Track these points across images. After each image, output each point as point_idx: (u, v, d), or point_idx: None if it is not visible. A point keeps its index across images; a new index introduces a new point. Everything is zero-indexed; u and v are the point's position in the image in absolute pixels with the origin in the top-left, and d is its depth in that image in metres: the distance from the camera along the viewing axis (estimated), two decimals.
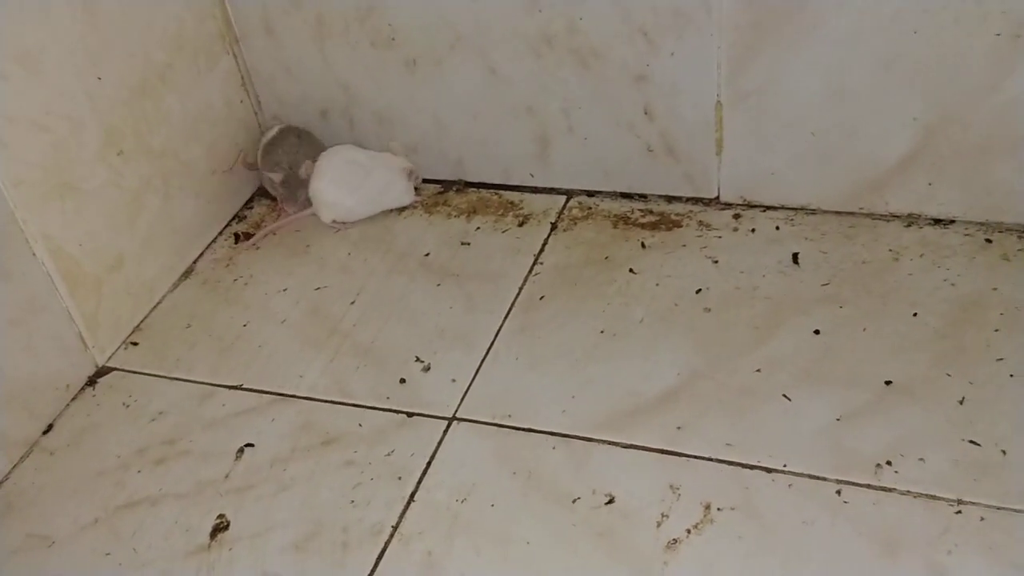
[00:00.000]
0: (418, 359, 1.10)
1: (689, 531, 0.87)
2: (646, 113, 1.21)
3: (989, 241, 1.13)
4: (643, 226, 1.25)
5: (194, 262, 1.30)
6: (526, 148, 1.30)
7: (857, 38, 1.07)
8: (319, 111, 1.37)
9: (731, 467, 0.93)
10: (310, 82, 1.34)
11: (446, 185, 1.37)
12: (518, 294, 1.17)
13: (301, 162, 1.29)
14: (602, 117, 1.23)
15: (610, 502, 0.91)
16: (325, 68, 1.32)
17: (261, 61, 1.35)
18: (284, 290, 1.22)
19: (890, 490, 0.88)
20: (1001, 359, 0.98)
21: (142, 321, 1.22)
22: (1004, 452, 0.89)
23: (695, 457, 0.94)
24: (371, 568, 0.88)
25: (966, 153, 1.11)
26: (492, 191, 1.35)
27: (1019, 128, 1.07)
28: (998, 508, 0.85)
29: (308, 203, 1.32)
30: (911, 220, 1.18)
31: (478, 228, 1.29)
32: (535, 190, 1.34)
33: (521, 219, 1.29)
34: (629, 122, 1.23)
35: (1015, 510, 0.84)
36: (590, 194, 1.31)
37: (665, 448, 0.95)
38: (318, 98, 1.36)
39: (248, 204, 1.39)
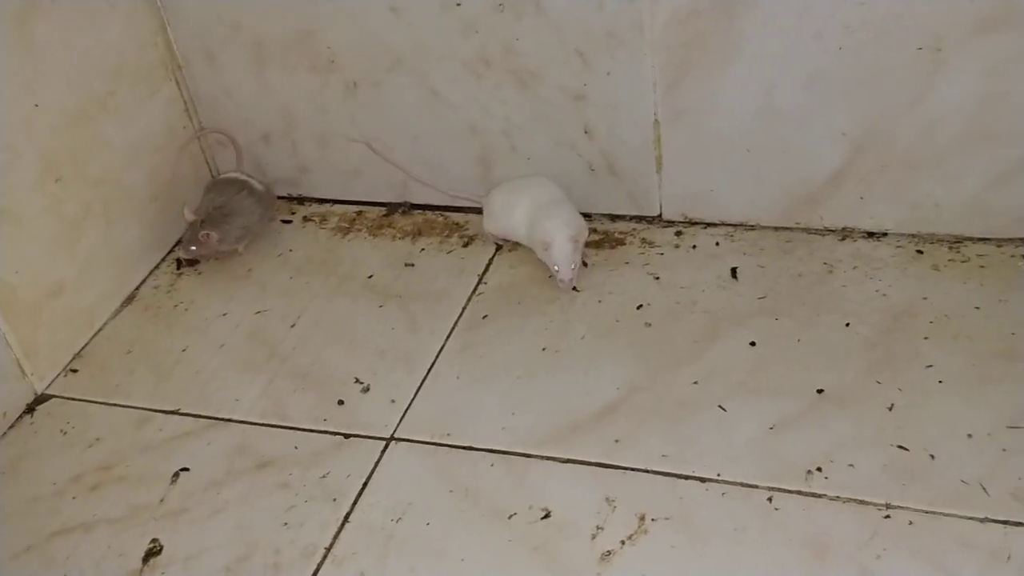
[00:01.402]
0: (357, 380, 1.09)
1: (623, 542, 0.88)
2: (586, 132, 1.23)
3: (920, 252, 1.15)
4: (587, 244, 1.26)
5: (136, 288, 1.30)
6: (470, 169, 1.31)
7: (783, 56, 1.09)
8: (261, 135, 1.37)
9: (666, 478, 0.93)
10: (251, 107, 1.35)
11: (391, 208, 1.38)
12: (461, 314, 1.17)
13: (216, 222, 1.24)
14: (543, 137, 1.25)
15: (546, 516, 0.91)
16: (266, 92, 1.32)
17: (203, 87, 1.36)
18: (224, 315, 1.22)
19: (820, 496, 0.89)
20: (930, 366, 1.00)
21: (83, 348, 1.21)
22: (932, 456, 0.90)
23: (631, 469, 0.94)
24: None
25: (894, 167, 1.13)
26: (438, 213, 1.36)
27: (942, 140, 1.09)
28: (927, 512, 0.86)
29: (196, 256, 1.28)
30: (845, 234, 1.20)
31: (423, 249, 1.29)
32: (479, 211, 1.34)
33: (466, 240, 1.30)
34: (570, 141, 1.24)
35: (943, 514, 0.85)
36: None
37: (602, 462, 0.96)
38: (260, 122, 1.36)
39: None
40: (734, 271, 1.17)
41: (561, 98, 1.20)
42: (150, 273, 1.32)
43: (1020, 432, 0.91)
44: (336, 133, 1.33)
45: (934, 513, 0.85)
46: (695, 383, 1.03)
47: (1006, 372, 0.98)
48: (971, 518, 0.84)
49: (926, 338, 1.03)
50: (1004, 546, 0.82)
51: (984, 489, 0.87)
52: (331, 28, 1.23)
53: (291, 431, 1.04)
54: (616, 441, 0.98)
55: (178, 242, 1.37)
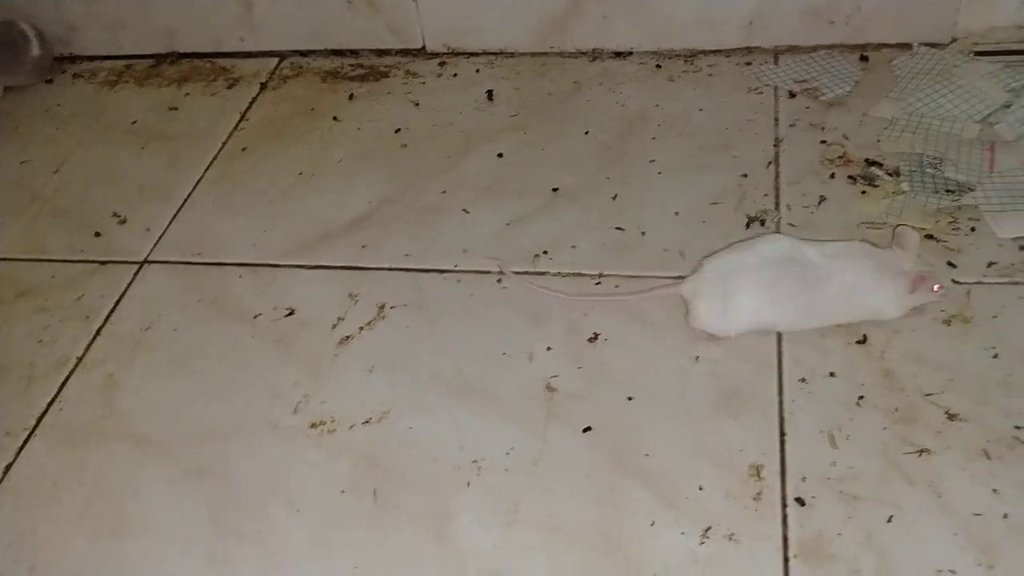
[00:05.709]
0: (115, 215, 1.11)
1: (362, 328, 0.94)
2: None
3: (659, 67, 1.23)
4: (352, 79, 1.29)
5: None
6: (231, 11, 1.31)
7: None
8: None
9: (408, 273, 0.99)
10: None
11: (159, 58, 1.37)
12: (221, 148, 1.19)
13: None
14: None
15: (290, 314, 0.96)
16: None
17: None
18: None
19: (543, 273, 0.96)
20: (653, 160, 1.08)
21: None
22: (644, 233, 0.99)
23: (375, 269, 1.00)
24: (54, 394, 0.90)
25: None
26: (205, 60, 1.36)
27: None
28: (632, 276, 0.94)
29: None
30: (595, 55, 1.26)
31: (187, 94, 1.29)
32: (248, 55, 1.35)
33: (231, 82, 1.30)
34: None
35: (645, 276, 0.94)
36: (303, 54, 1.34)
37: (348, 264, 1.01)
38: None
39: None
40: (490, 93, 1.22)
41: None
42: None
43: (720, 207, 1.01)
44: None
45: (638, 277, 0.94)
46: (443, 192, 1.09)
47: (717, 160, 1.07)
48: (668, 277, 0.93)
49: (653, 138, 1.11)
50: None
51: (681, 255, 0.96)
52: None
53: (49, 263, 1.06)
54: (363, 247, 1.03)
55: None
